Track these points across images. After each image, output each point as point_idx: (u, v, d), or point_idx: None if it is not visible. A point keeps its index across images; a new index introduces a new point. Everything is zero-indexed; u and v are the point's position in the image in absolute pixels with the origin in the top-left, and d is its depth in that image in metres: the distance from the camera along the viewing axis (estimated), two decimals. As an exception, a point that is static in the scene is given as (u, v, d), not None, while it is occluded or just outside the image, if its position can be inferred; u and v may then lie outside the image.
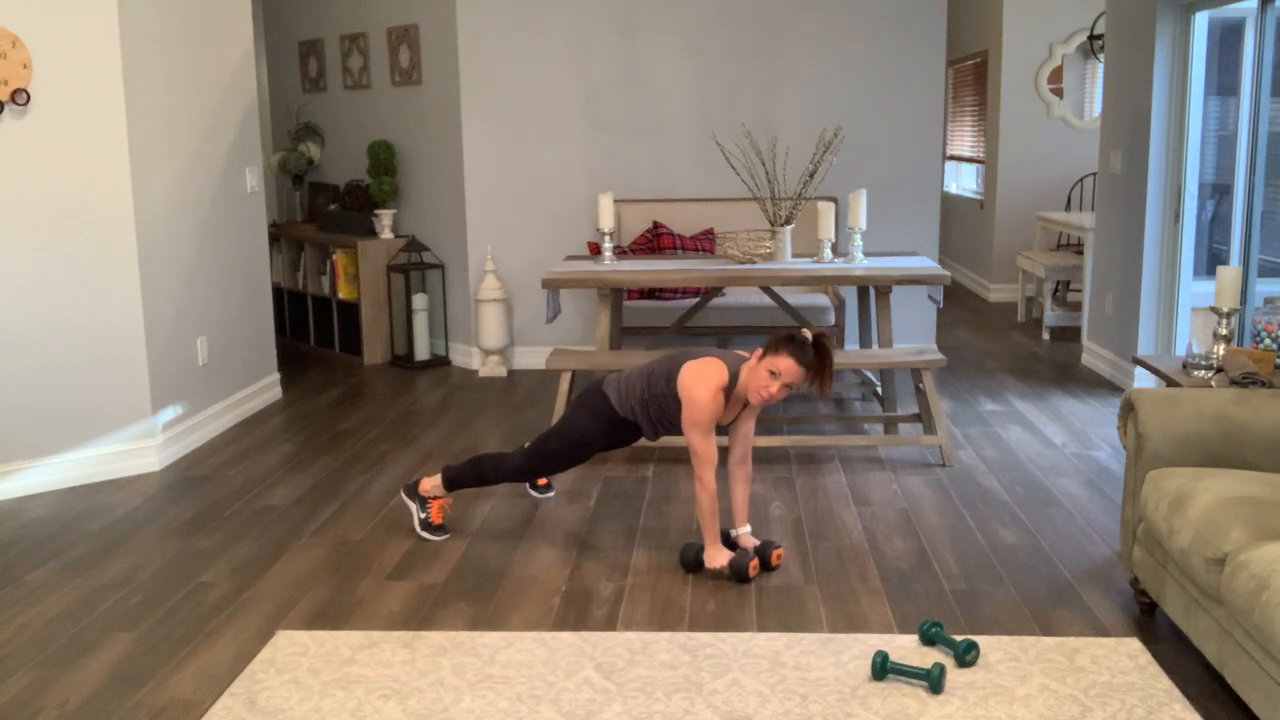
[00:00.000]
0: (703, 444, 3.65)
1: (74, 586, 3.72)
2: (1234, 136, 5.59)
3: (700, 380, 3.63)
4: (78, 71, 4.60)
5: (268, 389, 6.15)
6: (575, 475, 4.83)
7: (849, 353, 5.10)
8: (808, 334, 3.60)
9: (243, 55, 5.85)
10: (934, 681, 2.95)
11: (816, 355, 3.57)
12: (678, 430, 3.76)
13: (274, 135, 8.27)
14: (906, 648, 3.22)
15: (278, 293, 7.91)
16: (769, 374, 3.58)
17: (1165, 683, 2.99)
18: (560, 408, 4.95)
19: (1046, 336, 7.82)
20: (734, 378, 3.66)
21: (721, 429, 3.84)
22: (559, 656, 3.18)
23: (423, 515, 4.11)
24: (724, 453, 3.96)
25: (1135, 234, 6.13)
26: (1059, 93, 9.17)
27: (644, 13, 6.64)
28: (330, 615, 3.49)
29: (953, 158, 10.98)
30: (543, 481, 4.52)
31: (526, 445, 4.02)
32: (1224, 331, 4.08)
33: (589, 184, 6.82)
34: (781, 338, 3.60)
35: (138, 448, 4.93)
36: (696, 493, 3.71)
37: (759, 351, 3.64)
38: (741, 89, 6.69)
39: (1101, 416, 5.71)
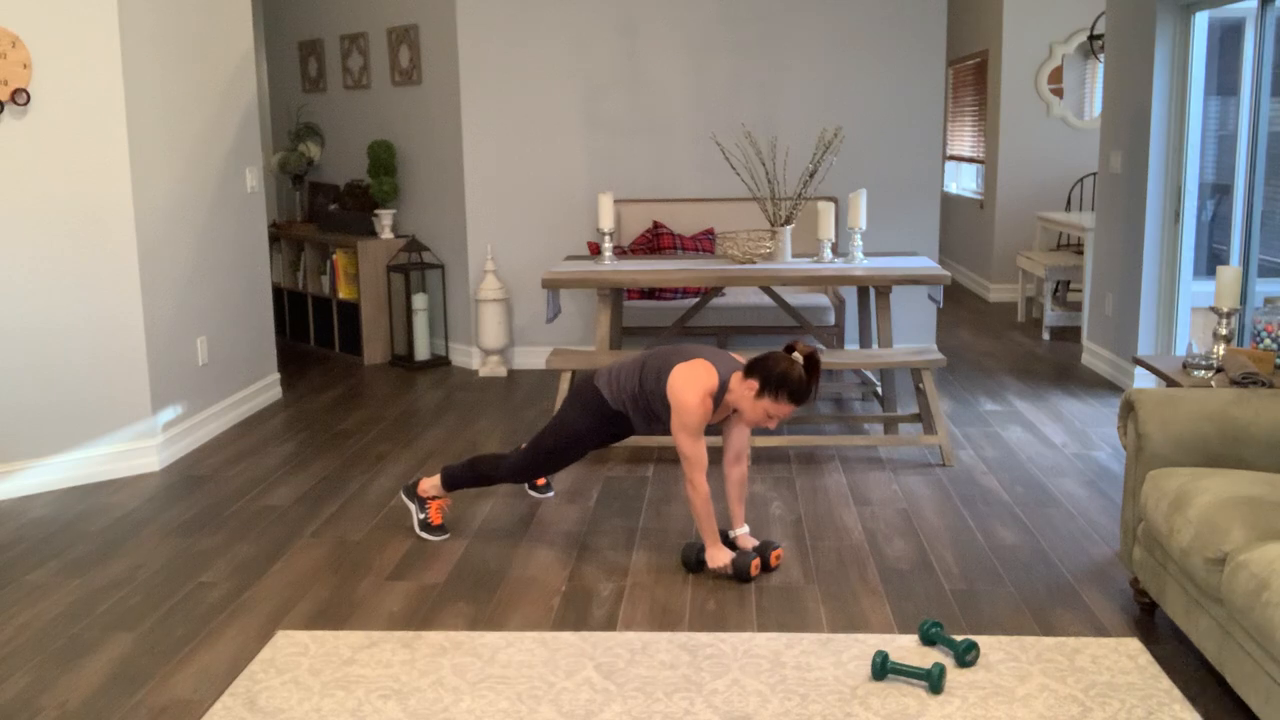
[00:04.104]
0: (691, 447, 3.64)
1: (74, 586, 3.72)
2: (1234, 136, 5.59)
3: (689, 384, 3.61)
4: (78, 71, 4.60)
5: (268, 389, 6.15)
6: (575, 475, 4.83)
7: (849, 353, 5.10)
8: (799, 355, 3.57)
9: (243, 55, 5.85)
10: (934, 681, 2.95)
11: (808, 374, 3.56)
12: (667, 428, 3.75)
13: (274, 135, 8.27)
14: (906, 648, 3.22)
15: (278, 293, 7.91)
16: (765, 413, 3.58)
17: (1165, 683, 2.99)
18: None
19: (1046, 336, 7.82)
20: (724, 385, 3.64)
21: (714, 428, 3.83)
22: (559, 656, 3.18)
23: (421, 516, 4.11)
24: (720, 452, 3.96)
25: (1135, 234, 6.13)
26: (1059, 93, 9.17)
27: (644, 13, 6.64)
28: (330, 615, 3.49)
29: (953, 158, 10.98)
30: (541, 481, 4.52)
31: (524, 445, 4.02)
32: (1224, 331, 4.08)
33: (589, 184, 6.82)
34: (778, 376, 3.52)
35: (138, 448, 4.93)
36: (688, 495, 3.70)
37: (754, 383, 3.55)
38: (741, 89, 6.70)
39: (1101, 416, 5.71)
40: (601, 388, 3.81)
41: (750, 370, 3.59)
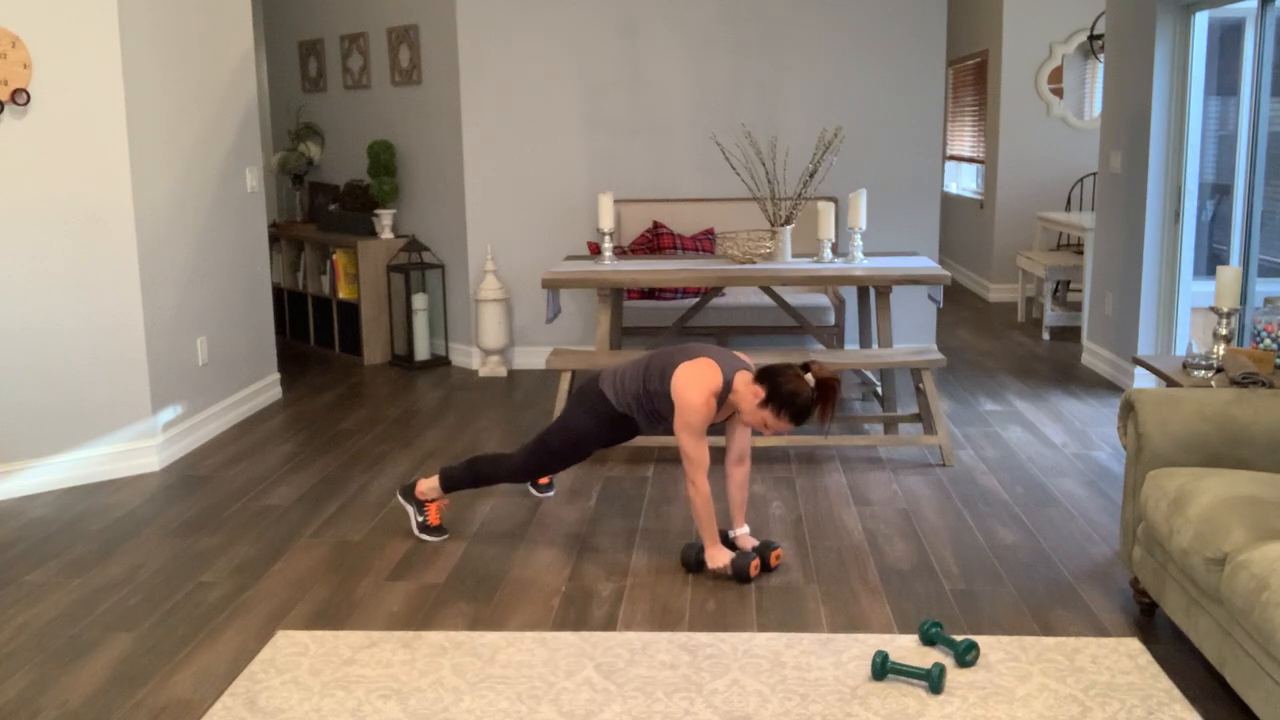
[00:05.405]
0: (694, 447, 3.64)
1: (74, 586, 3.72)
2: (1234, 136, 5.59)
3: (693, 384, 3.61)
4: (78, 71, 4.60)
5: (268, 389, 6.15)
6: (575, 475, 4.83)
7: (849, 353, 5.10)
8: (811, 378, 3.55)
9: (243, 55, 5.85)
10: (934, 681, 2.95)
11: (820, 396, 3.54)
12: (671, 428, 3.75)
13: (274, 135, 8.27)
14: (906, 648, 3.22)
15: (278, 293, 7.91)
16: (763, 422, 3.58)
17: (1165, 683, 2.99)
18: (561, 409, 4.95)
19: (1046, 336, 7.82)
20: (728, 385, 3.63)
21: (718, 427, 3.83)
22: (559, 656, 3.18)
23: (420, 518, 4.11)
24: (722, 452, 3.96)
25: (1135, 234, 6.13)
26: (1059, 93, 9.17)
27: (644, 13, 6.64)
28: (330, 615, 3.49)
29: (953, 158, 10.98)
30: (544, 480, 4.52)
31: (527, 445, 4.01)
32: (1224, 331, 4.08)
33: (589, 184, 6.82)
34: (787, 394, 3.51)
35: (138, 448, 4.93)
36: (689, 495, 3.70)
37: (761, 391, 3.55)
38: (741, 89, 6.70)
39: (1101, 416, 5.71)
40: (606, 390, 3.81)
41: (761, 377, 3.58)
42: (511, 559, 3.92)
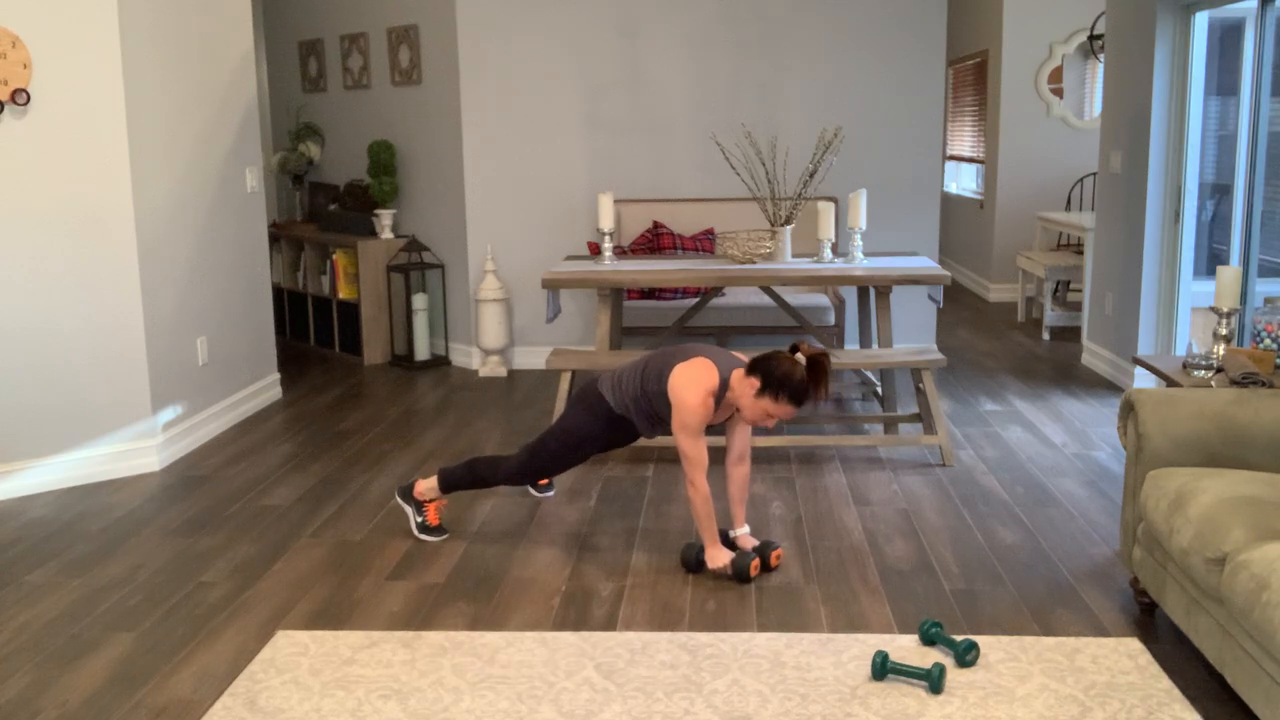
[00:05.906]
0: (692, 447, 3.64)
1: (74, 586, 3.72)
2: (1234, 136, 5.59)
3: (690, 384, 3.61)
4: (78, 71, 4.60)
5: (268, 389, 6.15)
6: (575, 475, 4.83)
7: (849, 353, 5.10)
8: (801, 357, 3.55)
9: (243, 55, 5.85)
10: (934, 681, 2.95)
11: (813, 374, 3.52)
12: (669, 429, 3.75)
13: (274, 135, 8.27)
14: (906, 648, 3.22)
15: (278, 293, 7.91)
16: (765, 413, 3.57)
17: (1165, 683, 2.99)
18: (560, 408, 4.95)
19: (1046, 336, 7.82)
20: (724, 383, 3.63)
21: (718, 427, 3.82)
22: (559, 656, 3.18)
23: (419, 519, 4.11)
24: (722, 452, 3.96)
25: (1135, 234, 6.13)
26: (1059, 93, 9.17)
27: (644, 13, 6.64)
28: (330, 615, 3.49)
29: (953, 158, 10.98)
30: (544, 480, 4.52)
31: (527, 446, 4.01)
32: (1224, 331, 4.08)
33: (589, 184, 6.82)
34: (780, 377, 3.51)
35: (138, 448, 4.93)
36: (689, 495, 3.70)
37: (755, 381, 3.54)
38: (741, 89, 6.70)
39: (1101, 416, 5.71)
40: (605, 392, 3.81)
41: (752, 368, 3.58)
42: (511, 559, 3.92)
